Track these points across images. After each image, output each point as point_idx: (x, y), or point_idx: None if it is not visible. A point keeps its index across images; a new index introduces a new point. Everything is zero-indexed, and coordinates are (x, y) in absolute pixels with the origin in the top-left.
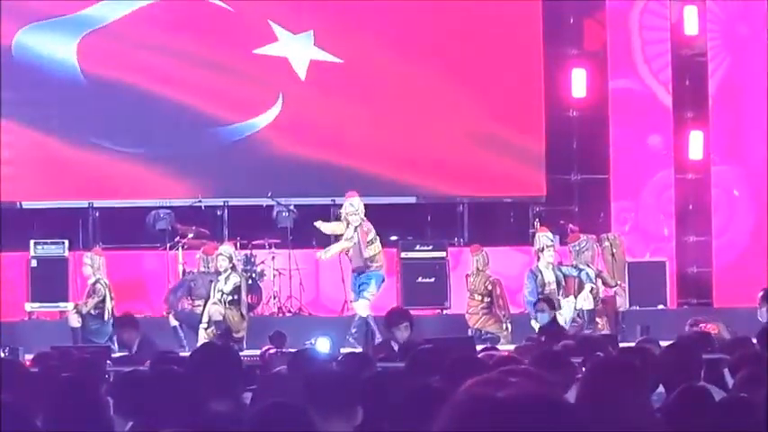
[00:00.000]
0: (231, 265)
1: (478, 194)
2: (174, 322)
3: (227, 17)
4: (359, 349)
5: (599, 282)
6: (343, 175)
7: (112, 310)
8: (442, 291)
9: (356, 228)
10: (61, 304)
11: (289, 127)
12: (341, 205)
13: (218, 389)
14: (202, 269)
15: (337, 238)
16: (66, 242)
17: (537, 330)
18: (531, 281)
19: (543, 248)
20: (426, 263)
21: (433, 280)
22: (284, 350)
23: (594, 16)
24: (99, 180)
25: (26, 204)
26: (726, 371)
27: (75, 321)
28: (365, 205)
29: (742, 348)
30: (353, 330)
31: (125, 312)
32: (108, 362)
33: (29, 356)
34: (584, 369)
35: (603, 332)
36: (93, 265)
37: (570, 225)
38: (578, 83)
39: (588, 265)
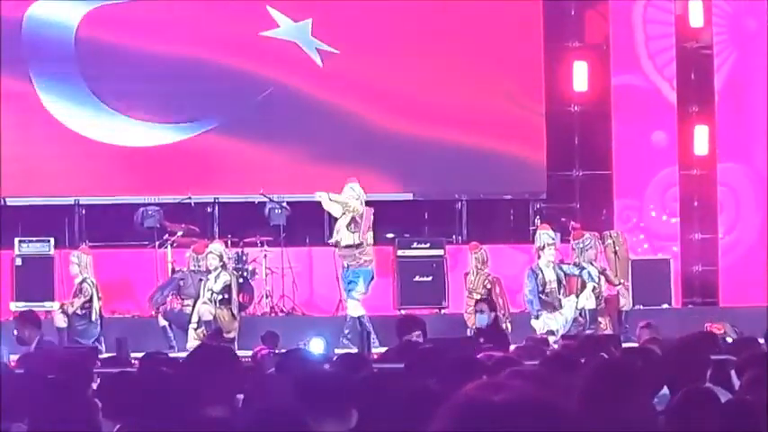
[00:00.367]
0: (221, 263)
1: (477, 191)
2: (163, 322)
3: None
4: (354, 350)
5: (602, 280)
6: (338, 170)
7: (100, 310)
8: (440, 290)
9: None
10: (47, 304)
11: (282, 120)
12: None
13: (216, 393)
14: (192, 268)
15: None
16: (52, 240)
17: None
18: (532, 279)
19: (544, 246)
20: (424, 261)
21: (430, 279)
22: (277, 351)
23: (596, 8)
24: (85, 176)
25: (10, 201)
26: (732, 372)
27: (61, 321)
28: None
29: (748, 349)
30: (346, 331)
31: (28, 309)
32: (96, 363)
33: (14, 357)
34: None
35: (606, 332)
36: (79, 264)
37: (572, 222)
38: (580, 77)
39: (591, 264)
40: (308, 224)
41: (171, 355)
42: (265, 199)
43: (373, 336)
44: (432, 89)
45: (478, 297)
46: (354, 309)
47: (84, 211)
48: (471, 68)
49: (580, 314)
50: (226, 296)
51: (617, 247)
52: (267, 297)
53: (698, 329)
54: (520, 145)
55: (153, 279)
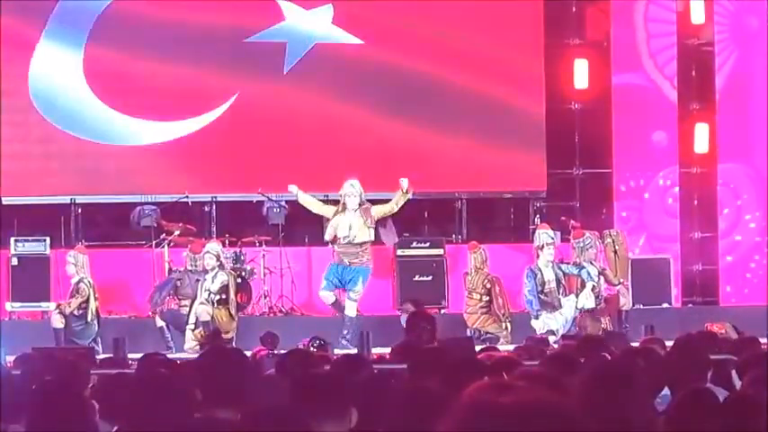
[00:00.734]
0: (218, 263)
1: (477, 190)
2: (160, 323)
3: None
4: (353, 350)
5: (601, 280)
6: (337, 169)
7: (96, 310)
8: (440, 289)
9: (355, 210)
10: (43, 304)
11: (279, 118)
12: (335, 201)
13: (225, 396)
14: (189, 268)
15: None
16: (48, 239)
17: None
18: (531, 279)
19: (543, 246)
20: (423, 261)
21: (430, 278)
22: (276, 351)
23: (597, 5)
24: (81, 174)
25: (6, 200)
26: (733, 372)
27: (57, 322)
28: None
29: (749, 349)
30: (345, 332)
31: None
32: (93, 364)
33: (10, 358)
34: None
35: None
36: (76, 264)
37: (572, 221)
38: (580, 74)
39: (591, 263)
40: (307, 223)
41: (169, 355)
42: (264, 198)
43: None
44: (431, 86)
45: (478, 297)
46: (351, 309)
47: (79, 210)
48: (471, 65)
49: (580, 313)
50: (223, 296)
51: (617, 246)
52: (265, 297)
53: (698, 329)
54: (520, 143)
55: (150, 279)
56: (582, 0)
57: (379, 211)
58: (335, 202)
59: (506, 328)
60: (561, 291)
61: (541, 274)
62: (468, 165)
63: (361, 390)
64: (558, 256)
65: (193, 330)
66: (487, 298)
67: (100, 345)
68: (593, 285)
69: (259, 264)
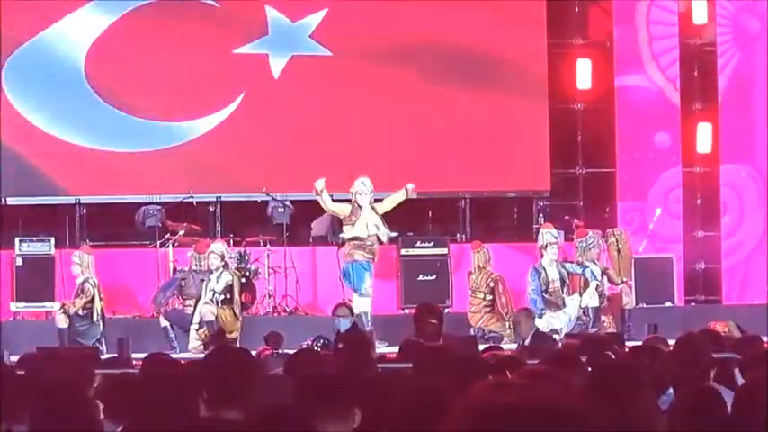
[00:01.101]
0: (223, 263)
1: (481, 189)
2: (164, 323)
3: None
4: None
5: (604, 279)
6: (342, 169)
7: (101, 310)
8: (444, 289)
9: (368, 208)
10: (47, 304)
11: (285, 119)
12: (337, 200)
13: (230, 396)
14: (194, 267)
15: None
16: (53, 240)
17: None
18: (535, 278)
19: (547, 245)
20: (427, 260)
21: (434, 278)
22: (280, 351)
23: (600, 5)
24: (86, 175)
25: (11, 201)
26: (736, 370)
27: (62, 322)
28: None
29: (752, 347)
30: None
31: None
32: (97, 364)
33: (14, 358)
34: (589, 369)
35: (609, 330)
36: (81, 264)
37: (575, 220)
38: (583, 74)
39: (594, 262)
40: (310, 224)
41: (173, 355)
42: (268, 197)
43: (374, 336)
44: (435, 86)
45: (482, 296)
46: (364, 305)
47: (84, 211)
48: (475, 65)
49: (584, 313)
50: (228, 296)
51: (620, 246)
52: (270, 297)
53: (701, 328)
54: (523, 143)
55: (154, 279)
56: (585, 0)
57: (381, 208)
58: (337, 201)
59: (510, 327)
60: (565, 290)
61: (546, 274)
62: (472, 164)
63: (365, 389)
64: (562, 255)
65: (198, 330)
66: (491, 297)
67: (104, 345)
68: (597, 284)
69: (263, 263)
